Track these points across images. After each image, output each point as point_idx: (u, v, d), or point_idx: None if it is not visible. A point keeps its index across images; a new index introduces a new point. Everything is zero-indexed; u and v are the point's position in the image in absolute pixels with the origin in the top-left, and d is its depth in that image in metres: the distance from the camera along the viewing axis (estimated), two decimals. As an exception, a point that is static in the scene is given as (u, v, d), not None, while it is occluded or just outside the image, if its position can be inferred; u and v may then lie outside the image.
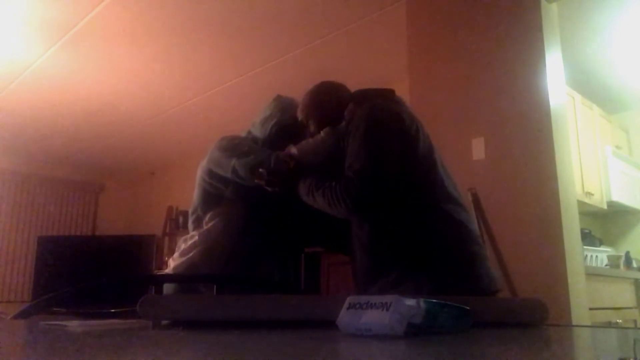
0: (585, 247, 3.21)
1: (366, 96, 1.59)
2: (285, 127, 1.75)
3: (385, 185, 1.41)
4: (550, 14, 2.61)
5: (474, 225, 1.58)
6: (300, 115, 1.68)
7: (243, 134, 1.87)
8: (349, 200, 1.39)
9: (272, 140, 1.75)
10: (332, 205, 1.42)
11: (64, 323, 0.86)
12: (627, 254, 3.78)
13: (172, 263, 1.79)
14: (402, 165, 1.43)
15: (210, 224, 1.75)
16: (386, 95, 1.61)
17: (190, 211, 1.86)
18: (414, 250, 1.43)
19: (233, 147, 1.72)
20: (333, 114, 1.59)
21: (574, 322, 2.14)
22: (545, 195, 2.32)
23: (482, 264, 1.46)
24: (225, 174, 1.69)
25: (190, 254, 1.73)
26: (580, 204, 3.01)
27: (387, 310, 0.63)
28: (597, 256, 3.67)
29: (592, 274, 2.70)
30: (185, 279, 1.72)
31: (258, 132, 1.81)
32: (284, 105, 1.81)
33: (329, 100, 1.64)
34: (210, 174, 1.76)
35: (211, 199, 1.78)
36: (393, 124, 1.47)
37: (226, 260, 1.70)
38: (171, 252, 6.58)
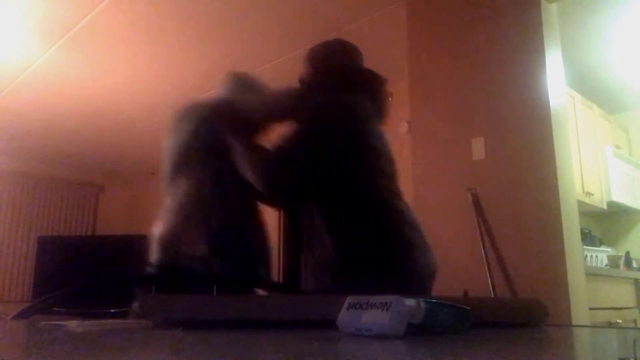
0: (585, 247, 3.21)
1: (347, 85, 1.64)
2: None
3: (298, 175, 1.46)
4: (550, 14, 2.61)
5: (407, 212, 1.59)
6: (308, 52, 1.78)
7: None
8: (266, 177, 1.46)
9: None
10: (254, 179, 1.48)
11: (64, 323, 0.86)
12: (627, 254, 3.78)
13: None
14: (329, 161, 1.48)
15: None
16: (360, 88, 1.65)
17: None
18: (351, 241, 1.47)
19: None
20: (325, 73, 1.68)
21: (574, 322, 2.14)
22: (545, 195, 2.32)
23: (415, 247, 1.50)
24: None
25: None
26: (580, 204, 3.01)
27: (387, 310, 0.63)
28: (597, 256, 3.67)
29: (592, 274, 2.70)
30: (185, 279, 1.72)
31: None
32: (227, 82, 1.95)
33: (335, 59, 1.77)
34: None
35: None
36: (336, 123, 1.52)
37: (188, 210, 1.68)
38: (171, 252, 6.55)
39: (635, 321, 3.13)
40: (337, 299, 0.73)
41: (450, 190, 2.58)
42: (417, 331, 0.64)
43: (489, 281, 2.14)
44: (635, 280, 3.36)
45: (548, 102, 2.39)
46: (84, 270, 5.62)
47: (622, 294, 3.16)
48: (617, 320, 2.86)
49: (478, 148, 2.54)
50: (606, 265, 3.60)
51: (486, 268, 2.16)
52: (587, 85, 3.77)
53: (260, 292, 1.55)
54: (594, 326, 2.32)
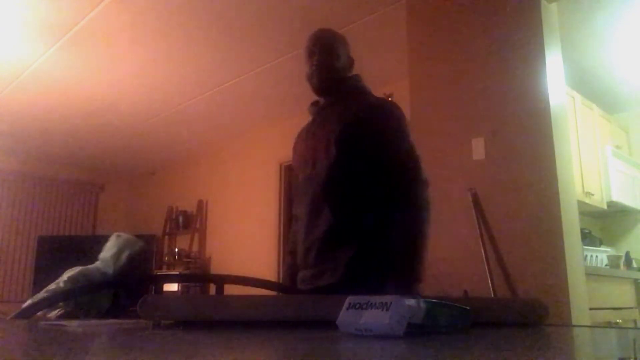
0: (585, 247, 3.21)
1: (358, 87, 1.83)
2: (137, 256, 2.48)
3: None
4: (550, 14, 2.61)
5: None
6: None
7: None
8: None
9: (124, 269, 2.44)
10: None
11: (64, 323, 0.86)
12: (627, 254, 3.78)
13: None
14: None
15: None
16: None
17: None
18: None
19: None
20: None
21: (574, 322, 2.14)
22: (545, 195, 2.32)
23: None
24: None
25: None
26: (580, 204, 3.01)
27: (387, 310, 0.63)
28: (597, 256, 3.67)
29: (592, 274, 2.70)
30: (185, 279, 1.72)
31: (109, 267, 2.49)
32: (129, 242, 2.55)
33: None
34: None
35: None
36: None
37: None
38: (171, 252, 6.57)
39: (635, 321, 3.13)
40: (337, 299, 0.73)
41: (450, 190, 2.58)
42: (417, 331, 0.64)
43: (489, 281, 2.14)
44: (635, 280, 3.36)
45: (548, 102, 2.39)
46: (84, 270, 5.61)
47: (622, 294, 3.16)
48: (617, 320, 2.86)
49: (478, 148, 2.54)
50: (606, 265, 3.60)
51: (486, 268, 2.16)
52: (587, 85, 3.77)
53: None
54: (594, 326, 2.32)
